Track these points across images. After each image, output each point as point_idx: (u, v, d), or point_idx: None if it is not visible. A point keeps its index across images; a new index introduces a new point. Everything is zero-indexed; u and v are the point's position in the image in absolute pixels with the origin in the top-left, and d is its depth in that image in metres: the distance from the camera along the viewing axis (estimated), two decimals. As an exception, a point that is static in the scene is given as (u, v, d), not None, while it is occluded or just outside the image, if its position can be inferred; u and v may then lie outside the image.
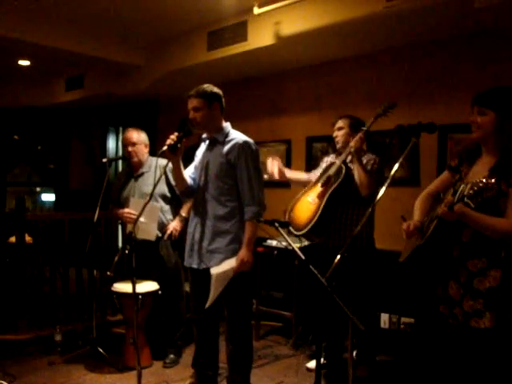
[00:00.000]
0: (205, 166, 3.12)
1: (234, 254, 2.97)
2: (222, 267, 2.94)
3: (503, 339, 2.15)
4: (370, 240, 3.54)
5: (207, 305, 2.98)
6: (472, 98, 2.30)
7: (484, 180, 1.94)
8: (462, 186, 2.04)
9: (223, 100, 3.11)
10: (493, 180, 1.94)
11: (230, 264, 2.94)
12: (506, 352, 2.16)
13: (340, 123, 3.58)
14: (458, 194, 2.04)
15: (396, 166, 2.30)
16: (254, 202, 2.96)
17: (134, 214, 3.72)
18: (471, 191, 1.96)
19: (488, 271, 2.16)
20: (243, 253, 2.93)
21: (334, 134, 3.60)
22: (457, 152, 2.47)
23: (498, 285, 2.14)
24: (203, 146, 3.25)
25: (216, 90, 3.08)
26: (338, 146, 3.58)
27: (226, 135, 3.09)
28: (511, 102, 2.22)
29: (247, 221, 2.96)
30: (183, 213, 3.94)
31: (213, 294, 2.95)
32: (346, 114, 3.66)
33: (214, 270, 2.94)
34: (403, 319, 4.29)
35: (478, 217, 2.10)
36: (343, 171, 3.33)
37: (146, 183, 3.92)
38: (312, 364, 3.70)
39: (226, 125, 3.14)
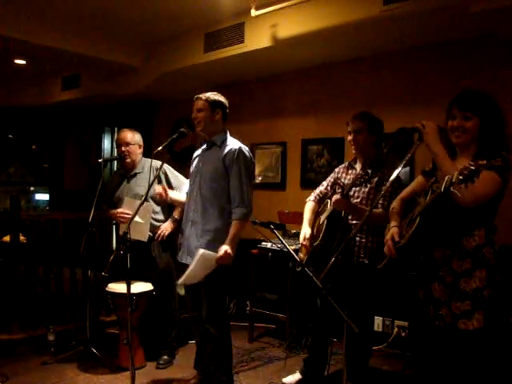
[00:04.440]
0: (200, 167, 3.23)
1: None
2: (210, 253, 2.97)
3: (492, 339, 2.16)
4: (377, 255, 3.04)
5: (180, 281, 3.04)
6: (451, 100, 2.30)
7: (473, 163, 1.88)
8: (447, 177, 1.94)
9: (227, 110, 3.28)
10: (484, 161, 1.89)
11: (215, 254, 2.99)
12: (495, 352, 2.17)
13: (357, 125, 3.21)
14: (444, 184, 1.94)
15: (396, 172, 2.28)
16: (243, 204, 3.06)
17: (127, 214, 3.74)
18: (461, 176, 1.86)
19: (473, 272, 2.17)
20: (226, 245, 2.99)
21: (350, 138, 3.25)
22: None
23: (484, 285, 2.15)
24: (200, 149, 3.37)
25: (222, 99, 3.25)
26: (355, 151, 3.27)
27: (224, 140, 3.22)
28: (493, 107, 2.25)
29: (234, 220, 3.05)
30: (175, 214, 3.95)
31: (190, 271, 2.96)
32: (362, 111, 3.30)
33: (202, 250, 2.96)
34: (397, 322, 4.31)
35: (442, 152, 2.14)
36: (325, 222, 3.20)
37: (139, 184, 3.92)
38: (288, 379, 3.56)
39: (225, 131, 3.28)
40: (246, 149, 3.18)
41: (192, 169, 3.33)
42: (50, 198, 9.01)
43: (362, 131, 3.18)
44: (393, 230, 2.43)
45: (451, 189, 1.95)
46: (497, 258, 2.20)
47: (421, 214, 2.22)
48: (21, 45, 5.03)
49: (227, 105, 3.28)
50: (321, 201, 3.48)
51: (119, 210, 3.84)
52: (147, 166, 3.90)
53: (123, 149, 3.92)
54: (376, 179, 3.14)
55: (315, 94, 5.16)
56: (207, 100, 3.17)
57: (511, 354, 2.86)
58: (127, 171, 4.02)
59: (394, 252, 2.35)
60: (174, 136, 3.15)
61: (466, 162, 2.20)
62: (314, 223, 3.42)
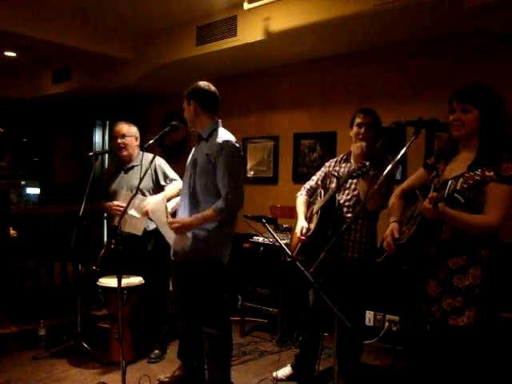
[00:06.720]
0: (193, 162, 3.11)
1: (207, 253, 2.99)
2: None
3: (481, 337, 2.15)
4: (371, 251, 3.17)
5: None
6: (451, 94, 2.28)
7: (479, 173, 1.85)
8: (451, 181, 1.95)
9: (206, 98, 3.04)
10: (491, 173, 1.84)
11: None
12: (484, 349, 2.17)
13: (367, 118, 3.18)
14: (447, 189, 1.95)
15: (390, 166, 2.26)
16: (224, 198, 2.90)
17: (123, 207, 3.71)
18: (465, 185, 1.87)
19: (468, 269, 2.15)
20: (185, 219, 2.98)
21: (360, 131, 3.17)
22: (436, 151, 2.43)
23: (477, 283, 2.13)
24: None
25: (199, 87, 3.05)
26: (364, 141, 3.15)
27: (211, 133, 3.04)
28: (493, 99, 2.22)
29: (211, 208, 2.91)
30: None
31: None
32: (366, 107, 3.27)
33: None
34: (388, 316, 4.33)
35: (456, 214, 2.08)
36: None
37: (136, 177, 3.88)
38: (279, 373, 3.54)
39: (213, 123, 3.07)
40: (233, 141, 2.97)
41: (187, 162, 3.20)
42: (41, 191, 8.95)
43: (372, 125, 3.17)
44: (392, 225, 2.42)
45: (454, 195, 1.93)
46: (493, 255, 2.17)
47: (422, 216, 2.18)
48: (10, 37, 4.98)
49: (207, 91, 3.04)
50: (311, 196, 3.47)
51: (115, 203, 3.79)
52: (145, 159, 3.88)
53: (119, 141, 3.89)
54: (372, 173, 3.13)
55: (308, 88, 5.15)
56: (185, 94, 3.05)
57: (502, 350, 2.88)
58: (124, 163, 3.99)
59: (393, 248, 2.34)
60: (166, 129, 3.09)
61: (468, 157, 2.20)
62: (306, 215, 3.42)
